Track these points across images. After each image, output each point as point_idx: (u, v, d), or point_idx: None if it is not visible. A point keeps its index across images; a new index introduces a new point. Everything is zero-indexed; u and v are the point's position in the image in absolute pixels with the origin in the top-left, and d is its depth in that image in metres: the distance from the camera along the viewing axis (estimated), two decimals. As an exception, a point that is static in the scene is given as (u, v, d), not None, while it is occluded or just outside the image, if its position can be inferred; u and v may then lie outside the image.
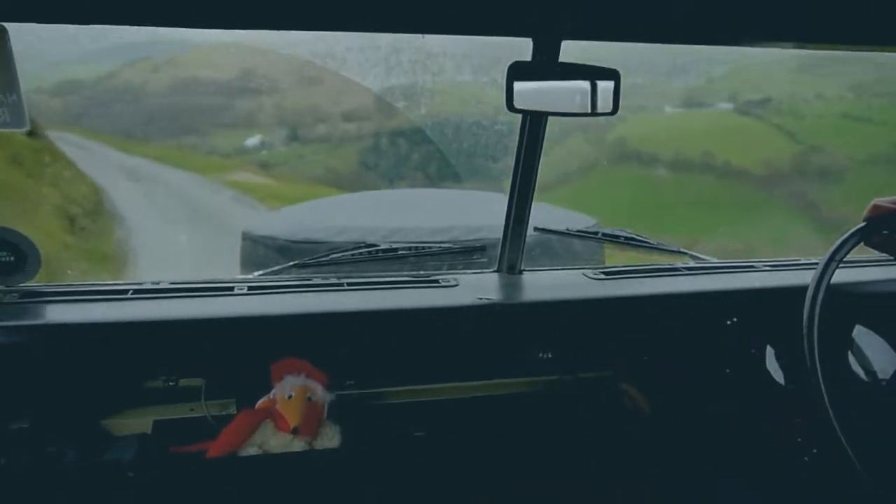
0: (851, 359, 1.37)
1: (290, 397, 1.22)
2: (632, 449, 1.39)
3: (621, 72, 1.18)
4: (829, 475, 1.25)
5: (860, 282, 1.53)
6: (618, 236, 1.63)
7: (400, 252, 1.54)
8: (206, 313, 1.23)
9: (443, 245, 1.58)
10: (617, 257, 1.81)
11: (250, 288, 1.34)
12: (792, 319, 1.12)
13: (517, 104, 1.16)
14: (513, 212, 1.45)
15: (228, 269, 2.17)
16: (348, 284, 1.40)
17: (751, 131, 6.04)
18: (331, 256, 1.50)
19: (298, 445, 1.23)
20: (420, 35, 1.16)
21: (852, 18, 1.24)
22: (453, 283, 1.44)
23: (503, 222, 1.48)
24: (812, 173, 5.84)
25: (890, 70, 5.01)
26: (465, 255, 1.58)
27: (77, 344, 1.17)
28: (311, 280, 1.42)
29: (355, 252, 1.52)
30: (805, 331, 1.08)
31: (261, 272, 1.49)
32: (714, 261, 1.65)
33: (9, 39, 1.05)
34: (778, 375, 1.37)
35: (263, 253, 2.01)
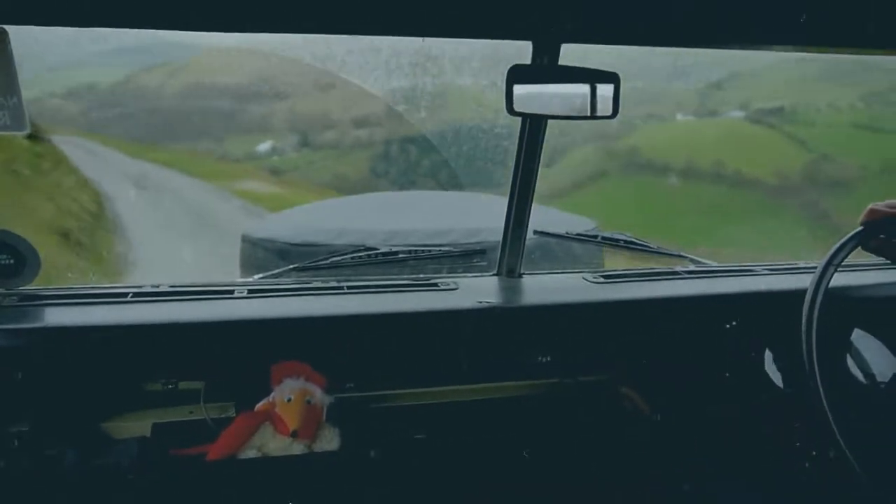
0: (850, 362, 1.37)
1: (289, 400, 1.22)
2: (632, 452, 1.39)
3: (621, 75, 1.18)
4: (828, 478, 1.25)
5: (858, 285, 1.53)
6: (617, 240, 1.63)
7: (399, 255, 1.54)
8: (205, 316, 1.23)
9: (442, 248, 1.59)
10: (616, 261, 1.81)
11: (250, 291, 1.34)
12: (791, 323, 1.12)
13: (517, 107, 1.16)
14: (512, 215, 1.46)
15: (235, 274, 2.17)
16: (348, 288, 1.40)
17: (763, 140, 6.04)
18: (330, 260, 1.50)
19: (298, 448, 1.23)
20: (420, 38, 1.16)
21: (852, 21, 1.24)
22: (453, 286, 1.44)
23: (502, 225, 1.49)
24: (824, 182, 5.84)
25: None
26: (465, 258, 1.58)
27: (77, 347, 1.17)
28: (310, 283, 1.42)
29: (355, 255, 1.52)
30: (804, 334, 1.08)
31: (261, 275, 1.49)
32: (713, 264, 1.65)
33: (9, 42, 1.05)
34: (777, 378, 1.38)
35: (263, 255, 2.01)
